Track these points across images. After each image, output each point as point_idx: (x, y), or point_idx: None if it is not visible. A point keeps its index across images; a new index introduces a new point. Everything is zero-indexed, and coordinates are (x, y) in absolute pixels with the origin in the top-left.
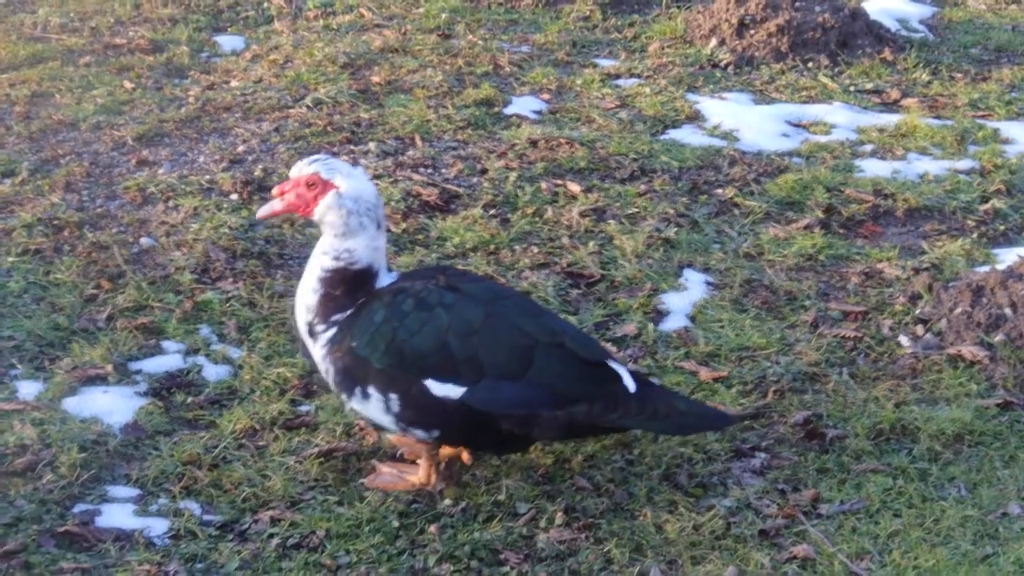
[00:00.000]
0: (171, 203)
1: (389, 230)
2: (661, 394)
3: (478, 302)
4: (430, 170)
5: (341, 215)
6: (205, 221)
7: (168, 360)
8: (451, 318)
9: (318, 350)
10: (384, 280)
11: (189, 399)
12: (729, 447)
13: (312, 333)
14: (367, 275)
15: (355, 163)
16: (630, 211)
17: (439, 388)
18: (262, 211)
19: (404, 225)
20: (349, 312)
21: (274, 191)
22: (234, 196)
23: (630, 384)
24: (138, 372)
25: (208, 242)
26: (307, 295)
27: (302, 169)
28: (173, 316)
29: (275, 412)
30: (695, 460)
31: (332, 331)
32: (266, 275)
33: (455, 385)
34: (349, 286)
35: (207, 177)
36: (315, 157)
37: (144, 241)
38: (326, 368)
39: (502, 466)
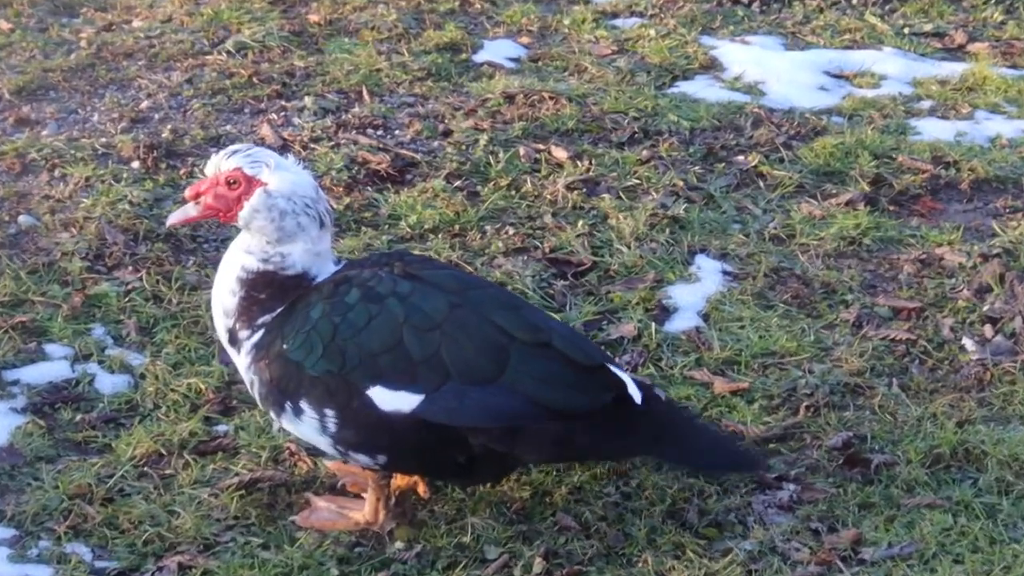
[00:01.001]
0: (57, 172)
1: (330, 206)
2: (672, 412)
3: (441, 292)
4: (380, 132)
5: (273, 217)
6: (100, 195)
7: (52, 368)
8: (407, 310)
9: (242, 359)
10: (325, 273)
11: (78, 417)
12: (750, 476)
13: (234, 340)
14: (302, 279)
15: (285, 151)
16: (629, 183)
17: (389, 398)
18: (173, 218)
19: (347, 200)
20: (279, 311)
21: (187, 192)
22: (136, 164)
23: (635, 395)
24: (14, 383)
25: (103, 221)
26: (224, 296)
27: (219, 164)
28: (59, 313)
29: (185, 433)
30: (707, 493)
31: (258, 335)
32: (175, 262)
33: (409, 393)
34: (278, 289)
35: (102, 140)
36: (234, 148)
37: (23, 220)
38: (251, 379)
39: (467, 501)
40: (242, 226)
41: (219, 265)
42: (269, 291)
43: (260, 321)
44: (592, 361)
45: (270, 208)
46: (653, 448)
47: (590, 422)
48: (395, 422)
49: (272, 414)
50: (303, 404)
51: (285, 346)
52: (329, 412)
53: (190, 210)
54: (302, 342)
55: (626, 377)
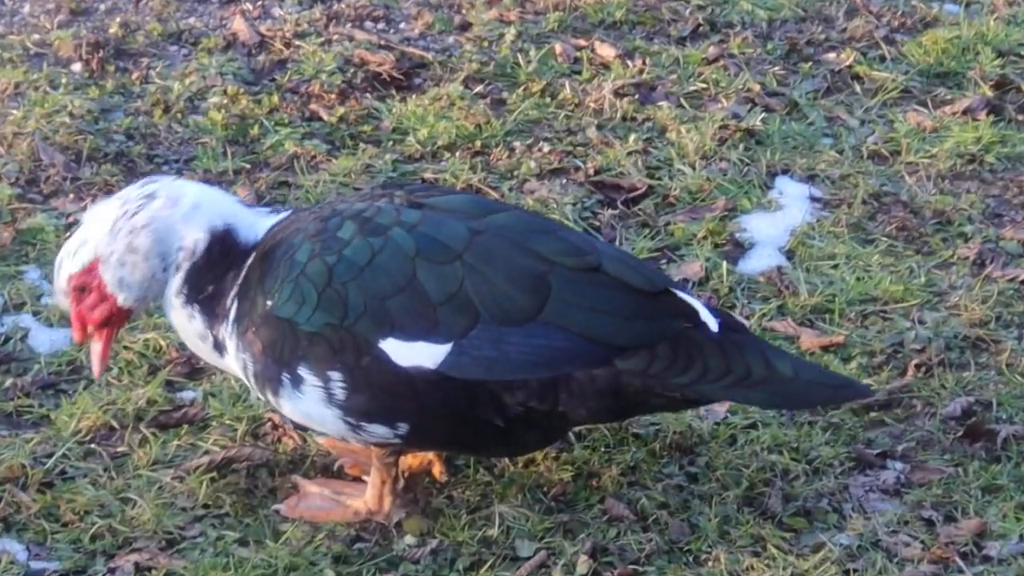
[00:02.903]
0: None
1: (319, 118)
2: (754, 345)
3: (459, 217)
4: (381, 25)
5: (131, 262)
6: (33, 105)
7: None
8: (418, 241)
9: (230, 355)
10: (264, 228)
11: (7, 381)
12: (846, 453)
13: (221, 344)
14: (228, 252)
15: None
16: (692, 88)
17: (407, 351)
18: (96, 368)
19: (341, 111)
20: (239, 275)
21: (75, 337)
22: (77, 67)
23: (711, 324)
24: None
25: (37, 138)
26: (192, 335)
27: (60, 285)
28: None
29: (142, 401)
30: (793, 474)
31: (232, 311)
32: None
33: (431, 343)
34: (217, 271)
35: (35, 37)
36: (57, 261)
37: None
38: (243, 364)
39: (494, 485)
40: (136, 303)
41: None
42: (210, 279)
43: (227, 302)
44: (653, 284)
45: (121, 263)
46: (732, 390)
47: (655, 360)
48: (417, 381)
49: (269, 395)
50: (302, 370)
51: (270, 303)
52: (335, 375)
53: (95, 347)
54: (291, 293)
55: (696, 302)
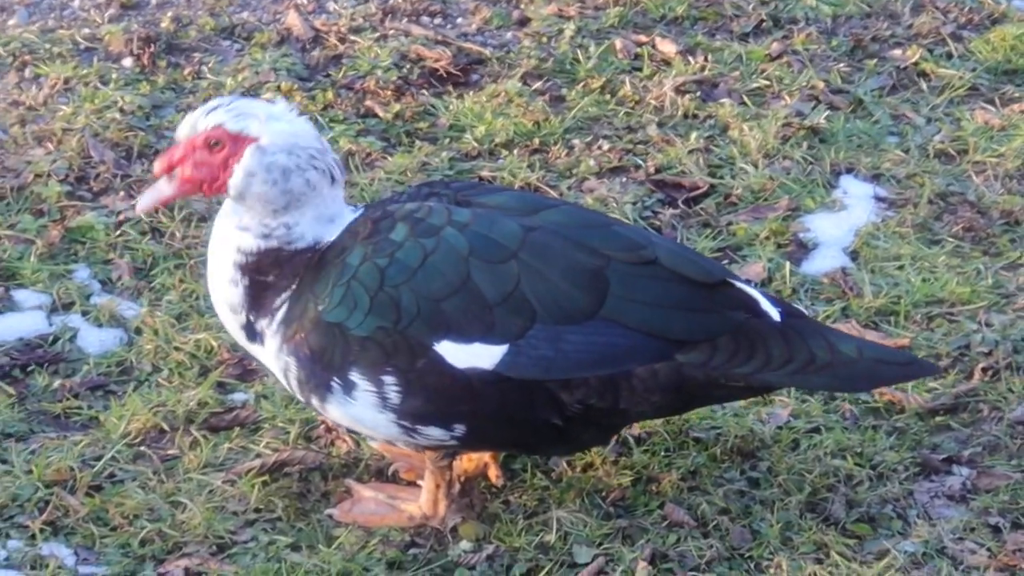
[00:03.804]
0: (28, 72)
1: (375, 115)
2: (816, 330)
3: (510, 215)
4: (438, 20)
5: (274, 179)
6: (83, 101)
7: (23, 320)
8: (471, 240)
9: (269, 348)
10: (337, 232)
11: (56, 382)
12: (911, 458)
13: (253, 334)
14: (312, 252)
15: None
16: (755, 85)
17: (463, 353)
18: (144, 202)
19: (397, 107)
20: (298, 280)
21: (156, 166)
22: (128, 62)
23: (772, 312)
24: None
25: (87, 134)
26: (225, 290)
27: (196, 124)
28: (31, 251)
29: (192, 403)
30: (857, 479)
31: (282, 312)
32: None
33: (488, 343)
34: (288, 266)
35: (85, 31)
36: (214, 103)
37: None
38: (284, 365)
39: (551, 489)
40: (235, 197)
41: (208, 246)
42: (277, 271)
43: (278, 301)
44: (711, 276)
45: (268, 167)
46: (796, 377)
47: (717, 352)
48: (474, 382)
49: (316, 401)
50: (354, 375)
51: (320, 307)
52: (389, 380)
53: (163, 188)
54: (342, 297)
55: (756, 292)
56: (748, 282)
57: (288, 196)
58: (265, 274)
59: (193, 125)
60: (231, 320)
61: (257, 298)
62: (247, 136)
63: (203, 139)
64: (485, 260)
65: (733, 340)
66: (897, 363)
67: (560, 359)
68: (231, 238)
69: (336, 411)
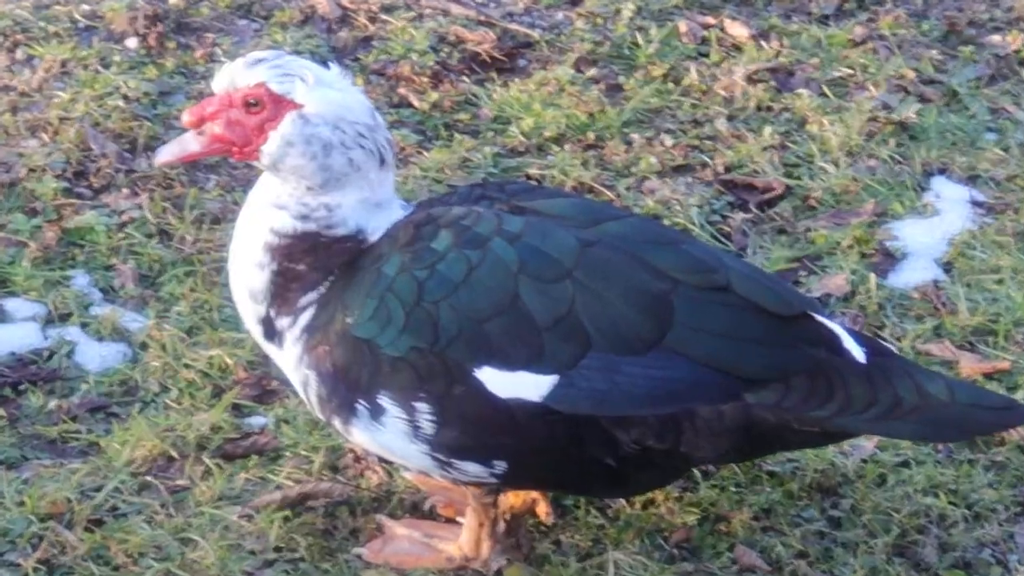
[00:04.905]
0: (20, 53)
1: (409, 105)
2: (904, 370)
3: (567, 225)
4: None
5: (313, 152)
6: (82, 86)
7: (14, 333)
8: (522, 254)
9: (288, 354)
10: (386, 226)
11: (52, 403)
12: (1012, 496)
13: (272, 332)
14: (355, 240)
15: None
16: (836, 74)
17: (507, 381)
18: (165, 153)
19: (435, 96)
20: (330, 281)
21: (185, 116)
22: (133, 42)
23: (856, 351)
24: None
25: (87, 124)
26: (248, 273)
27: (234, 78)
28: (23, 255)
29: (205, 428)
30: (950, 519)
31: (307, 316)
32: (190, 183)
33: (535, 372)
34: (323, 257)
35: (85, 8)
36: (257, 56)
37: None
38: (304, 378)
39: (607, 526)
40: (267, 166)
41: (237, 223)
42: (311, 260)
43: (305, 300)
44: (789, 307)
45: (309, 139)
46: (881, 424)
47: (791, 392)
48: (518, 415)
49: (339, 423)
50: (383, 399)
51: (350, 320)
52: (422, 407)
53: (190, 143)
54: (374, 310)
55: (837, 327)
56: (830, 315)
57: (326, 173)
58: (297, 261)
59: (232, 78)
60: (249, 310)
61: (283, 289)
62: (290, 100)
63: (242, 97)
64: (536, 277)
65: (809, 380)
66: (994, 408)
67: (615, 393)
68: (264, 216)
69: (361, 436)
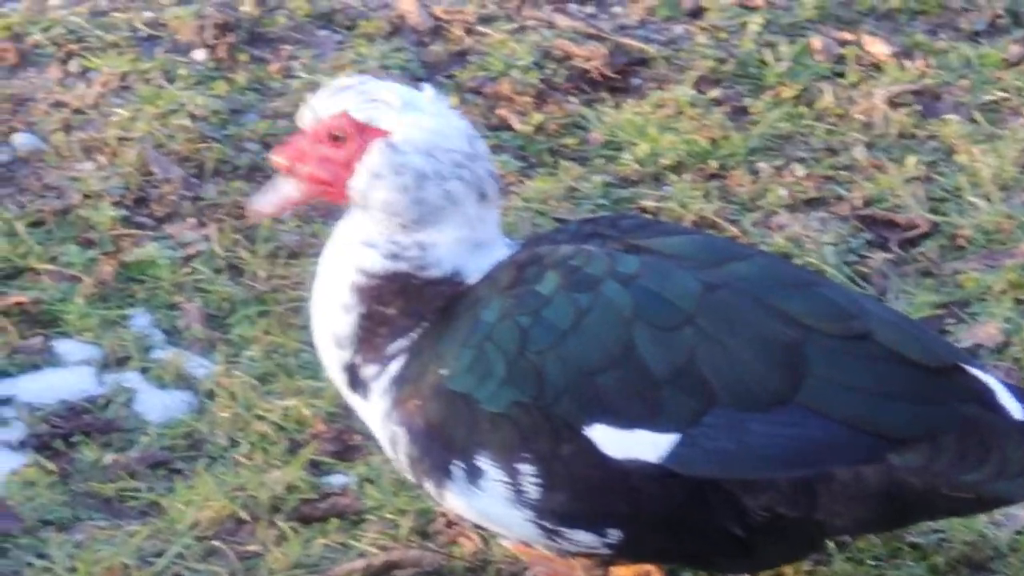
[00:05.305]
0: (75, 66)
1: (509, 127)
2: None
3: (688, 266)
4: (590, 8)
5: (404, 185)
6: (143, 103)
7: (66, 379)
8: (637, 299)
9: (374, 407)
10: (486, 268)
11: (107, 457)
12: None
13: (356, 382)
14: (451, 283)
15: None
16: (989, 97)
17: (621, 441)
18: (262, 202)
19: (538, 118)
20: (423, 327)
21: (275, 158)
22: (200, 54)
23: (1012, 407)
24: (6, 402)
25: (149, 145)
26: (333, 317)
27: (318, 109)
28: (77, 291)
29: (279, 487)
30: None
31: (396, 365)
32: None
33: (652, 430)
34: (415, 300)
35: (147, 15)
36: (343, 83)
37: (20, 141)
38: (391, 435)
39: None
40: (357, 202)
41: (320, 260)
42: (402, 303)
43: (394, 347)
44: (937, 358)
45: (398, 169)
46: None
47: (940, 454)
48: (634, 478)
49: (431, 486)
50: (481, 460)
51: (444, 371)
52: (526, 468)
53: (287, 189)
54: (471, 361)
55: (991, 380)
56: (984, 367)
57: (420, 208)
58: (386, 304)
59: (315, 111)
60: (333, 357)
61: (370, 334)
62: (376, 128)
63: (326, 129)
64: (654, 324)
65: (960, 439)
66: None
67: (743, 454)
68: (352, 254)
69: (456, 501)
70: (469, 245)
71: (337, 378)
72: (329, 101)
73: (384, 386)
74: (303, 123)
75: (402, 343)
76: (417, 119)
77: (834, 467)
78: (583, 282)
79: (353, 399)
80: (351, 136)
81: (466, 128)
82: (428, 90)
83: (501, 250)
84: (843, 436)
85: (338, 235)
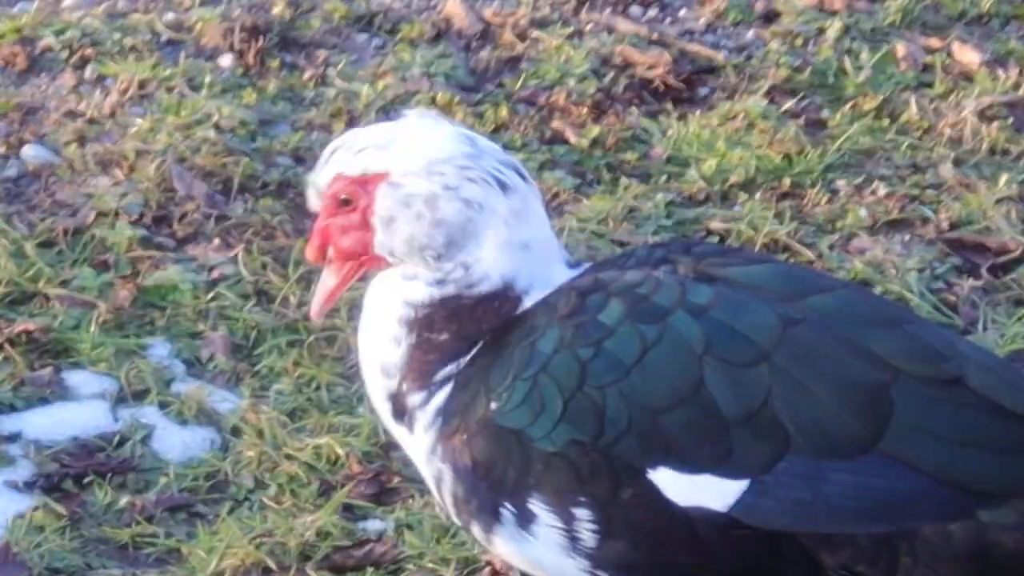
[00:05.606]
0: (91, 72)
1: (565, 141)
2: None
3: (765, 298)
4: (653, 11)
5: (418, 213)
6: (165, 113)
7: (79, 414)
8: (708, 332)
9: (419, 440)
10: (547, 283)
11: (123, 500)
12: None
13: (401, 411)
14: (506, 297)
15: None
16: None
17: (685, 486)
18: (317, 305)
19: (596, 130)
20: (473, 353)
21: (308, 250)
22: (227, 60)
23: None
24: (14, 438)
25: (171, 159)
26: (383, 349)
27: (319, 181)
28: (91, 317)
29: (310, 533)
30: None
31: (443, 394)
32: (295, 233)
33: (721, 476)
34: (467, 321)
35: (169, 17)
36: (330, 147)
37: (31, 153)
38: (437, 472)
39: None
40: (389, 255)
41: (367, 293)
42: (455, 327)
43: (442, 374)
44: None
45: (406, 202)
46: None
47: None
48: (699, 527)
49: (478, 530)
50: (534, 503)
51: (494, 405)
52: (582, 513)
53: (327, 279)
54: (525, 395)
55: None
56: None
57: (444, 230)
58: (439, 331)
59: (316, 186)
60: (379, 386)
61: (420, 361)
62: (374, 175)
63: (332, 199)
64: (726, 361)
65: None
66: None
67: (820, 506)
68: (396, 288)
69: (506, 547)
70: (514, 248)
71: (381, 408)
72: (324, 171)
73: (429, 418)
74: (313, 205)
75: (451, 368)
76: (406, 145)
77: (919, 523)
78: (650, 312)
79: (398, 432)
80: (356, 194)
81: (459, 131)
82: (411, 113)
83: (560, 271)
84: (929, 489)
85: (379, 277)
